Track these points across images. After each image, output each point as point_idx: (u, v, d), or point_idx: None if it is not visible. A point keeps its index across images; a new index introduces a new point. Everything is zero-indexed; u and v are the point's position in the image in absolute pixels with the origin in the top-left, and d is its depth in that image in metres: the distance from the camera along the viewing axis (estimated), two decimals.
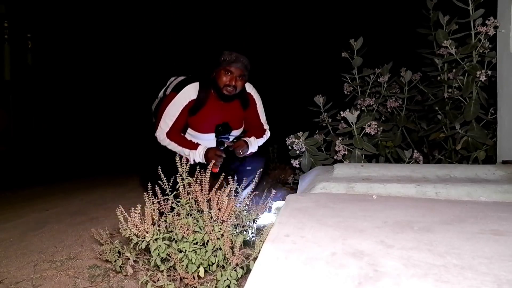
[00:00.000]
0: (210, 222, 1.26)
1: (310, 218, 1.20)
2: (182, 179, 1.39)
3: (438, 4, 2.73)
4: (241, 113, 2.31)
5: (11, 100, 8.12)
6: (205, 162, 1.79)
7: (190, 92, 2.15)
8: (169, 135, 2.15)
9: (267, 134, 2.40)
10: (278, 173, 4.10)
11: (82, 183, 4.55)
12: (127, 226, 1.27)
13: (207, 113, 2.19)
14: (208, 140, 2.23)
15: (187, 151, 2.12)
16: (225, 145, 2.22)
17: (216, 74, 2.14)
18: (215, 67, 2.16)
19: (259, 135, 2.31)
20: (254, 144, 2.26)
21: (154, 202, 1.33)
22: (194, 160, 2.09)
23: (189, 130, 2.23)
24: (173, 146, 2.13)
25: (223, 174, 1.45)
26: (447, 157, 2.72)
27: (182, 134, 2.22)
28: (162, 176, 1.35)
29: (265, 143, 2.39)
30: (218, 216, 1.27)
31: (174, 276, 1.29)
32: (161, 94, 2.42)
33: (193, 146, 2.15)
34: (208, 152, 2.09)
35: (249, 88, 2.33)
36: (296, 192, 2.04)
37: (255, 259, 1.19)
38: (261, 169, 1.80)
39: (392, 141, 2.78)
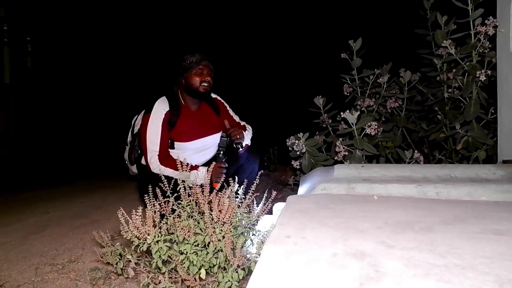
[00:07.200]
0: (211, 224, 1.26)
1: (311, 219, 1.20)
2: (183, 181, 1.39)
3: (437, 4, 2.73)
4: (216, 118, 2.34)
5: (11, 103, 8.14)
6: (209, 181, 1.50)
7: (162, 105, 2.16)
8: (161, 158, 2.07)
9: (249, 127, 2.41)
10: (278, 175, 4.09)
11: (82, 186, 4.55)
12: (128, 228, 1.27)
13: (185, 122, 2.19)
14: (194, 148, 2.22)
15: (185, 174, 1.69)
16: (225, 143, 2.23)
17: (188, 78, 2.16)
18: (180, 75, 2.18)
19: (243, 130, 2.33)
20: (245, 135, 2.28)
21: (155, 205, 1.33)
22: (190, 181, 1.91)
23: (176, 144, 2.19)
24: (168, 172, 2.00)
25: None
26: (448, 157, 2.71)
27: (174, 158, 2.11)
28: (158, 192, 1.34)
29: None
30: (219, 218, 1.27)
31: (175, 278, 1.30)
32: (129, 138, 2.38)
33: (192, 167, 2.04)
34: (212, 169, 1.73)
35: (213, 95, 2.37)
36: (296, 193, 2.04)
37: (256, 260, 1.19)
38: (261, 171, 1.78)
39: (392, 141, 2.78)
